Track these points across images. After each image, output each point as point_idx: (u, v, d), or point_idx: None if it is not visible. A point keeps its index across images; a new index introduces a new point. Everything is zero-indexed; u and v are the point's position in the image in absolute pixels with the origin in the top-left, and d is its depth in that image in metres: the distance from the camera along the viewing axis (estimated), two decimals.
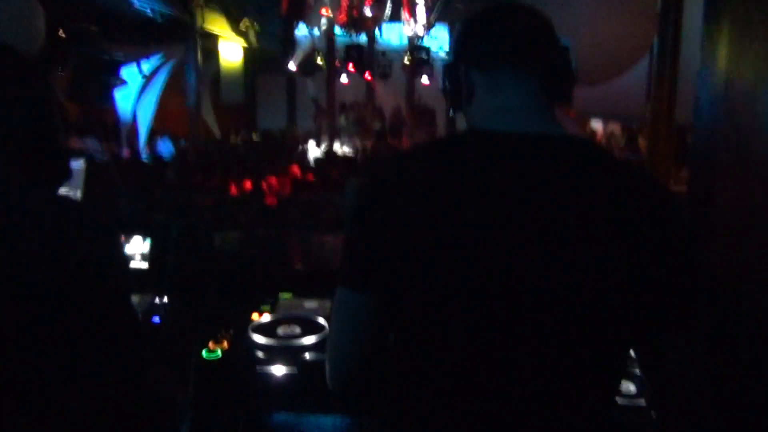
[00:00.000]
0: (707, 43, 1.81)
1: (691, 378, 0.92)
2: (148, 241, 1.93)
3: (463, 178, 0.87)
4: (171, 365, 0.91)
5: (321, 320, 1.81)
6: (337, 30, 11.51)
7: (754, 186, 1.59)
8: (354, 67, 11.50)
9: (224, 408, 1.58)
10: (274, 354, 1.64)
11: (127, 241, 1.96)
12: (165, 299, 1.83)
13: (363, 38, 11.27)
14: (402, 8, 11.06)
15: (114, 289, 0.81)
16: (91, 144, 8.91)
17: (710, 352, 0.94)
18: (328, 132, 12.29)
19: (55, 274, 0.75)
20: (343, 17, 10.63)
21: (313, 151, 10.85)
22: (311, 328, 1.75)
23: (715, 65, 1.76)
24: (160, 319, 1.82)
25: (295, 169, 7.27)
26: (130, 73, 9.15)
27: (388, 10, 10.91)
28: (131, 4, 8.64)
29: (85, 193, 1.99)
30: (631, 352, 1.00)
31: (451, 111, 1.03)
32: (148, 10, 8.89)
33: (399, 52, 12.09)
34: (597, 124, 11.98)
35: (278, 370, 1.61)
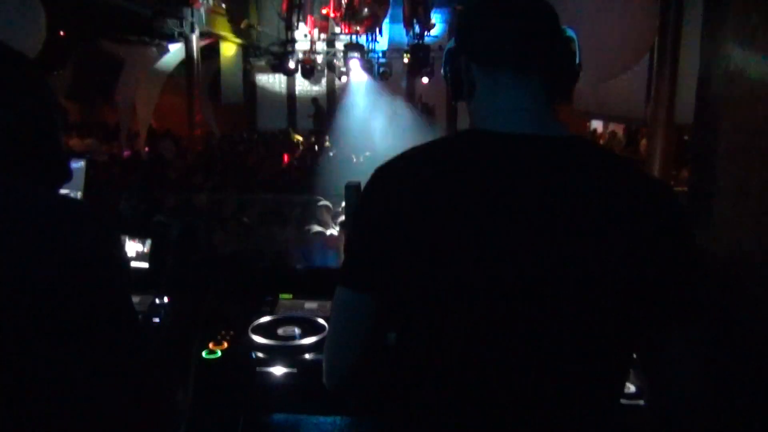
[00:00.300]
0: (707, 43, 1.81)
1: (692, 377, 0.91)
2: (148, 242, 1.93)
3: (462, 179, 0.87)
4: (171, 365, 0.91)
5: (321, 321, 1.81)
6: (337, 29, 11.49)
7: (755, 186, 1.59)
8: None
9: (224, 408, 1.58)
10: (273, 354, 1.64)
11: (127, 241, 1.96)
12: (165, 300, 1.83)
13: (363, 40, 11.25)
14: (402, 8, 11.05)
15: (115, 289, 0.81)
16: (92, 144, 8.91)
17: (710, 349, 0.94)
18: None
19: (56, 274, 0.75)
20: (338, 13, 10.60)
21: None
22: (311, 328, 1.75)
23: (715, 65, 1.76)
24: (160, 319, 1.82)
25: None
26: None
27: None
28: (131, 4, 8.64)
29: (85, 194, 1.99)
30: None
31: (453, 100, 1.01)
32: (149, 10, 8.89)
33: (399, 52, 12.08)
34: (597, 124, 11.98)
35: (278, 370, 1.61)
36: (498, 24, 0.93)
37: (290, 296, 2.02)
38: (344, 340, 0.95)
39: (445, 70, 1.02)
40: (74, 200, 0.82)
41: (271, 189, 6.56)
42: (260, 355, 1.65)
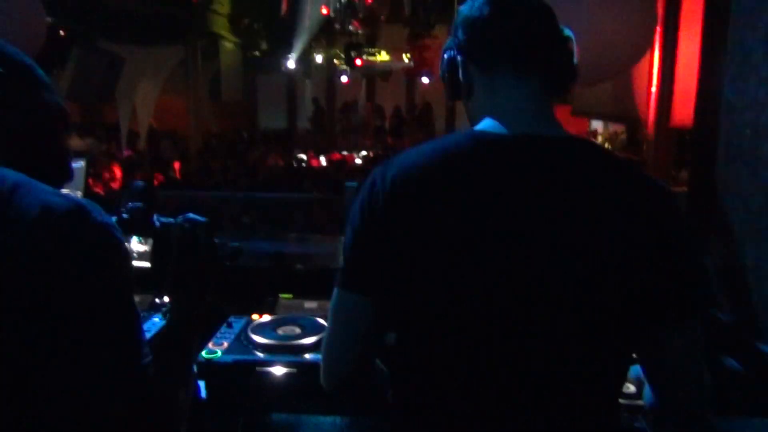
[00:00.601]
0: (707, 43, 1.81)
1: (690, 373, 0.91)
2: (149, 242, 1.93)
3: (461, 181, 0.87)
4: (172, 365, 0.91)
5: (321, 321, 1.81)
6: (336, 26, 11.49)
7: (754, 186, 1.59)
8: (355, 64, 11.49)
9: (224, 408, 1.58)
10: (273, 354, 1.64)
11: (129, 241, 1.97)
12: (165, 299, 1.83)
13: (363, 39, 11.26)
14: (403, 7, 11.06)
15: (118, 288, 0.81)
16: (92, 144, 8.91)
17: (710, 349, 0.95)
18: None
19: (59, 273, 0.75)
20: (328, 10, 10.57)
21: None
22: (311, 328, 1.75)
23: (715, 65, 1.76)
24: (161, 319, 1.82)
25: None
26: None
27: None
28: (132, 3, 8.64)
29: (85, 194, 2.00)
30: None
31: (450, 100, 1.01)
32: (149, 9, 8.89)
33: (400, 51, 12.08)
34: (598, 124, 11.97)
35: (278, 370, 1.61)
36: (496, 24, 0.92)
37: (290, 296, 2.03)
38: (342, 341, 0.95)
39: (442, 71, 1.01)
40: (77, 199, 0.82)
41: (271, 188, 6.59)
42: (260, 354, 1.65)
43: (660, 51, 4.12)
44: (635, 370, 1.00)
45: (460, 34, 0.97)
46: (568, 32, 0.96)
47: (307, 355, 1.64)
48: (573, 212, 0.85)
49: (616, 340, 0.89)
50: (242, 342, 1.70)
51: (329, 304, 0.97)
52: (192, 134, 10.64)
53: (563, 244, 0.84)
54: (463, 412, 0.89)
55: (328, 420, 1.61)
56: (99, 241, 0.79)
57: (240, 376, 1.62)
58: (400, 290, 0.89)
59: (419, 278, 0.87)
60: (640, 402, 1.45)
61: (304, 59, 12.26)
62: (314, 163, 9.63)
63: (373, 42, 11.86)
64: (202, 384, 1.57)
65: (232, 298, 1.92)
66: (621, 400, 1.45)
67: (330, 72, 12.98)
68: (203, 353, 1.62)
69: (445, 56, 0.99)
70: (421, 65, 11.24)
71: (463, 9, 0.97)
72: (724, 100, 1.67)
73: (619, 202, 0.86)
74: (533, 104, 0.93)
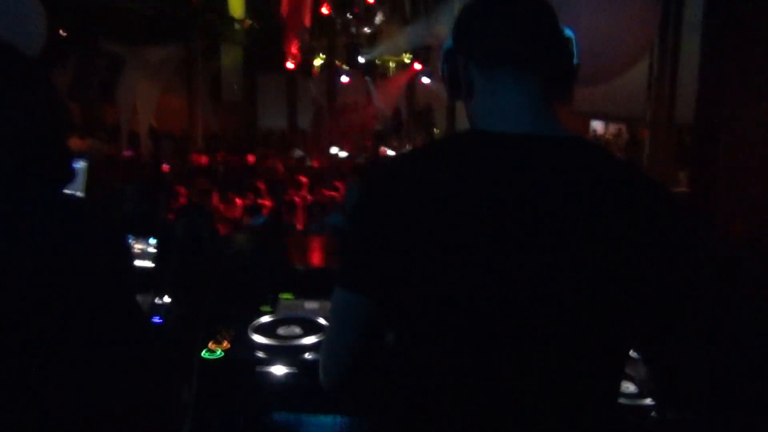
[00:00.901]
0: (707, 43, 1.81)
1: (694, 376, 0.92)
2: (152, 242, 1.94)
3: (461, 181, 0.87)
4: (173, 365, 0.91)
5: (321, 321, 1.81)
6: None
7: (754, 186, 1.59)
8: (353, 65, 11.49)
9: (224, 408, 1.58)
10: (274, 354, 1.64)
11: (133, 240, 1.97)
12: (165, 299, 1.83)
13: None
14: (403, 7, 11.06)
15: (121, 287, 0.81)
16: (92, 144, 8.91)
17: (712, 350, 0.95)
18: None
19: (62, 273, 0.75)
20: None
21: None
22: (311, 328, 1.75)
23: (715, 65, 1.76)
24: (162, 319, 1.82)
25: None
26: None
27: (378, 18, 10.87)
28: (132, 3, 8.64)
29: (86, 194, 2.00)
30: (632, 353, 1.01)
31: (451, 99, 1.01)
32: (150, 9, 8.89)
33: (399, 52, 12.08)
34: (598, 124, 11.96)
35: (278, 370, 1.61)
36: (496, 24, 0.92)
37: (290, 296, 2.03)
38: (341, 340, 0.95)
39: (442, 70, 1.01)
40: (80, 199, 0.82)
41: (272, 188, 6.62)
42: (261, 354, 1.65)
43: (660, 51, 4.12)
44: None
45: (460, 33, 0.97)
46: (568, 32, 0.96)
47: (308, 355, 1.65)
48: (573, 212, 0.85)
49: (616, 339, 0.89)
50: (243, 342, 1.70)
51: (330, 303, 0.97)
52: (192, 134, 10.64)
53: (563, 244, 0.84)
54: (462, 412, 0.89)
55: (328, 420, 1.61)
56: (102, 241, 0.80)
57: (240, 375, 1.62)
58: (400, 290, 0.89)
59: (419, 278, 0.87)
60: (640, 402, 1.46)
61: (305, 59, 12.26)
62: (315, 163, 9.63)
63: (373, 42, 11.87)
64: (202, 384, 1.57)
65: (232, 297, 1.92)
66: (622, 401, 1.45)
67: (330, 72, 12.97)
68: (203, 353, 1.62)
69: (446, 56, 1.00)
70: (421, 65, 11.25)
71: (464, 8, 0.97)
72: (724, 98, 1.67)
73: (619, 202, 0.86)
74: (533, 103, 0.93)
